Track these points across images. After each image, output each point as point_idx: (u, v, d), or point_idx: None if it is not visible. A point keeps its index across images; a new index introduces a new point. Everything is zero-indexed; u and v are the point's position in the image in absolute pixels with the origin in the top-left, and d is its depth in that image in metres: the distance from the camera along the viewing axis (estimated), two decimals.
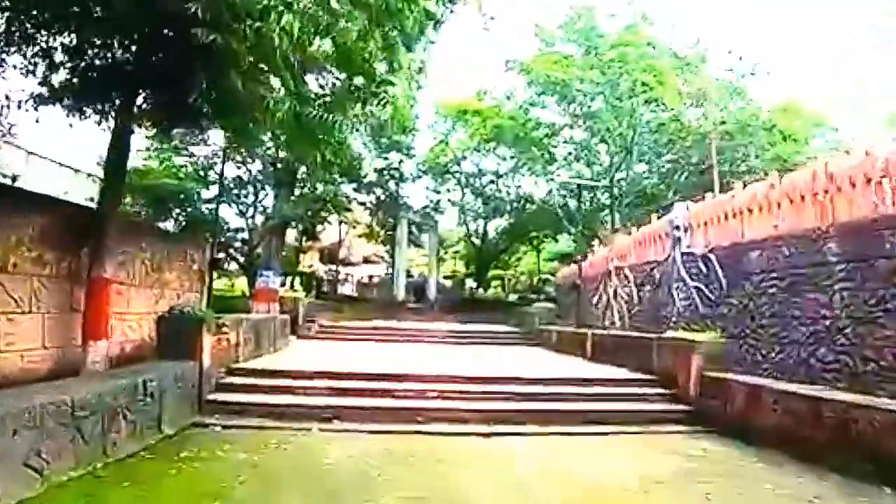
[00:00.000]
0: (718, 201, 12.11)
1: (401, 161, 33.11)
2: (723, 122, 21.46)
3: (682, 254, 13.04)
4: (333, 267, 42.51)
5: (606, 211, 27.70)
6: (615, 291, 16.50)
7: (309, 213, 23.60)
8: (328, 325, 17.37)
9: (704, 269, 12.12)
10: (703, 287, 12.15)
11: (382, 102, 12.17)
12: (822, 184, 9.15)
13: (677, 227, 13.32)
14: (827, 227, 8.88)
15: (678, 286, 13.11)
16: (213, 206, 29.05)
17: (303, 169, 25.53)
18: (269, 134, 13.30)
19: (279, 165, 24.78)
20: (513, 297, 35.81)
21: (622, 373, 9.63)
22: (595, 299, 18.07)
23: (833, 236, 8.74)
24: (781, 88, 22.65)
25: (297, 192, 25.66)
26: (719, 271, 11.58)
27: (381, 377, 8.21)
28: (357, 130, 19.97)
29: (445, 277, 40.02)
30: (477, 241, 36.11)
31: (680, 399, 8.31)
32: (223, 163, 15.74)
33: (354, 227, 43.18)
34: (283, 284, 35.92)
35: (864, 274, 8.19)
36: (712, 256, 11.84)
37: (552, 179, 30.14)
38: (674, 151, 22.81)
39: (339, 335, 16.25)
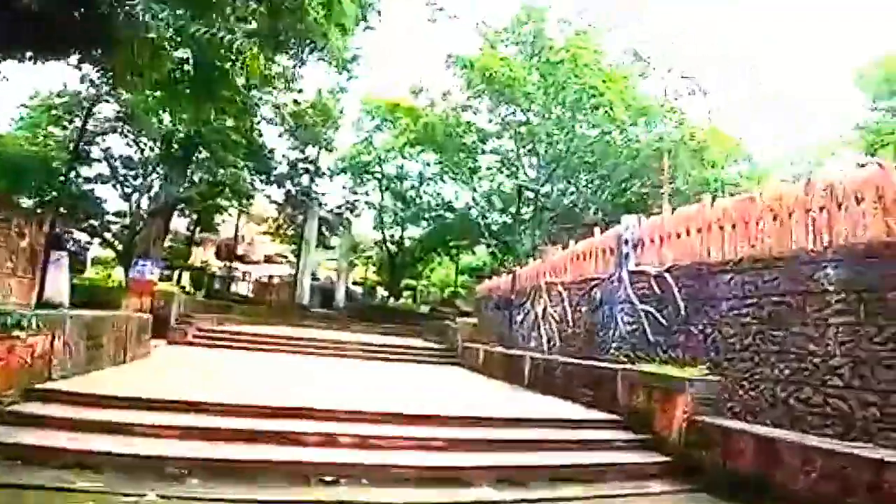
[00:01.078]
0: (681, 215, 10.70)
1: (318, 154, 30.26)
2: (660, 139, 20.82)
3: (631, 272, 11.53)
4: (230, 263, 38.46)
5: (525, 226, 26.51)
6: (544, 310, 14.83)
7: (202, 197, 20.11)
8: (211, 329, 14.22)
9: (658, 291, 10.63)
10: (654, 311, 10.64)
11: (309, 48, 9.74)
12: (818, 199, 7.85)
13: (626, 242, 11.82)
14: (823, 249, 7.54)
15: (623, 308, 11.57)
16: (94, 185, 24.77)
17: (206, 154, 22.09)
18: (154, 81, 10.31)
19: (175, 145, 21.14)
20: (424, 309, 33.75)
21: (578, 411, 7.72)
22: (520, 317, 16.35)
23: (831, 260, 7.40)
24: (716, 114, 22.41)
25: (195, 176, 22.09)
26: (677, 294, 10.11)
27: (270, 412, 5.66)
28: (264, 89, 16.98)
29: (355, 283, 37.20)
30: (392, 248, 33.75)
31: (657, 447, 6.51)
32: (84, 121, 12.17)
33: (259, 224, 39.40)
34: (168, 278, 31.65)
35: (870, 307, 6.86)
36: (669, 277, 10.37)
37: (475, 189, 28.65)
38: (605, 166, 21.82)
39: (223, 342, 13.22)
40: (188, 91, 9.87)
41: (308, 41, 9.53)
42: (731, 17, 50.77)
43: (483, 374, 12.30)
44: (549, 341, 14.44)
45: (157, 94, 19.61)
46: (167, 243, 32.61)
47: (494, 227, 28.40)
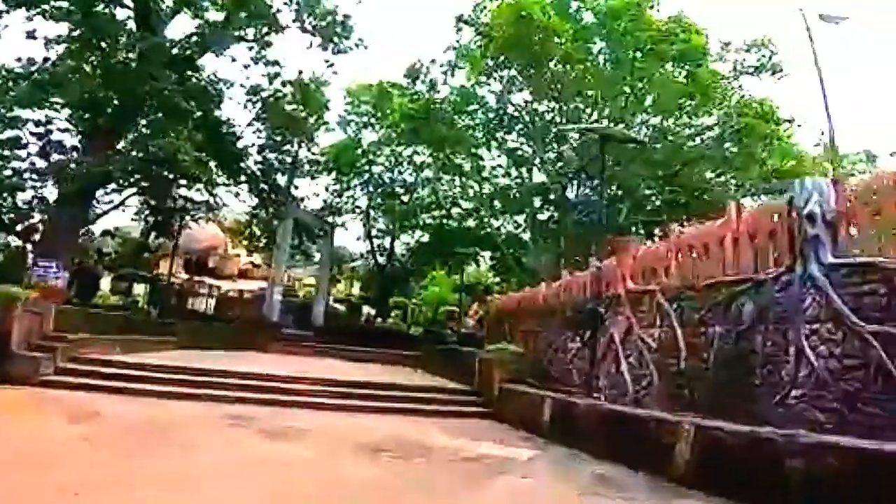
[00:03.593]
0: None
1: (297, 149, 24.82)
2: (737, 115, 15.66)
3: (832, 266, 6.22)
4: (195, 276, 32.52)
5: (542, 234, 21.24)
6: (627, 331, 9.39)
7: (127, 175, 14.24)
8: (102, 361, 8.35)
9: None
10: None
11: None
12: None
13: (810, 219, 6.52)
14: None
15: (816, 330, 6.21)
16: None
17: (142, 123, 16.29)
18: None
19: (105, 114, 15.32)
20: (415, 331, 28.05)
21: None
22: (572, 344, 10.87)
23: None
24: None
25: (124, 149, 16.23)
26: None
27: None
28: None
29: (338, 300, 31.30)
30: (381, 260, 28.13)
31: None
32: None
33: (233, 238, 33.69)
34: (122, 292, 25.66)
35: None
36: None
37: (481, 190, 23.40)
38: (660, 151, 16.45)
39: (109, 383, 7.38)
40: None
41: None
42: None
43: (553, 441, 6.77)
44: (636, 381, 8.96)
45: None
46: (111, 247, 26.64)
47: (502, 237, 23.10)
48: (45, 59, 16.29)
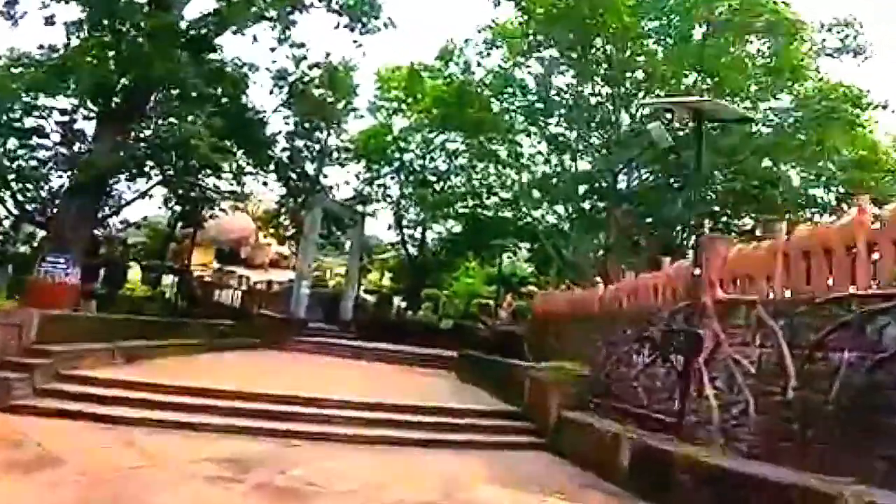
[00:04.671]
0: None
1: (326, 136, 23.56)
2: (817, 99, 13.57)
3: None
4: (230, 267, 31.89)
5: (585, 226, 19.43)
6: (712, 350, 7.67)
7: (136, 161, 13.08)
8: (93, 380, 7.07)
9: None
10: None
11: None
12: None
13: None
14: None
15: None
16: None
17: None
18: None
19: (117, 98, 14.28)
20: (445, 324, 26.67)
21: None
22: (638, 358, 9.19)
23: None
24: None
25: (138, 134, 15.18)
26: None
27: None
28: None
29: (368, 291, 30.12)
30: (413, 250, 26.74)
31: None
32: None
33: (263, 227, 32.82)
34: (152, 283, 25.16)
35: None
36: None
37: (521, 179, 21.66)
38: (731, 135, 14.33)
39: (96, 413, 6.11)
40: None
41: None
42: None
43: (633, 493, 5.22)
44: (724, 408, 7.28)
45: None
46: (143, 236, 26.00)
47: (542, 228, 21.37)
48: (66, 46, 15.50)
